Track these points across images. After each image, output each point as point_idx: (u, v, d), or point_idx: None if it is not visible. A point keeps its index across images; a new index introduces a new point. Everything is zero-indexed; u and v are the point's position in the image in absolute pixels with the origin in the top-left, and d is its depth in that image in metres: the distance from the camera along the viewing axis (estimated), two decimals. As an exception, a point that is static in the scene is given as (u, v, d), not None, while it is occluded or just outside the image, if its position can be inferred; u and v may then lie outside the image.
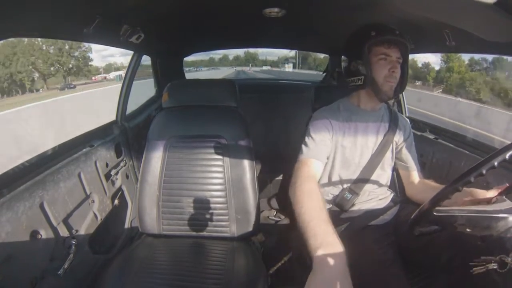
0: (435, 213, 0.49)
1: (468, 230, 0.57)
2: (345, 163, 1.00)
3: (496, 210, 0.56)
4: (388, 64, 0.91)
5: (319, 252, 0.57)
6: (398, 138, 1.04)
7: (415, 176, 1.05)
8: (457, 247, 0.75)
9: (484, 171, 0.52)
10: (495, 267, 0.55)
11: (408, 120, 1.13)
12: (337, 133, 0.98)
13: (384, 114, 1.04)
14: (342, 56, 1.02)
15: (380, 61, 0.91)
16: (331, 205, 1.07)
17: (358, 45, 0.91)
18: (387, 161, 1.03)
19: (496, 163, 0.52)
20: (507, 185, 0.65)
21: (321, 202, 0.72)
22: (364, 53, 0.90)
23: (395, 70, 0.91)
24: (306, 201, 0.71)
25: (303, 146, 0.97)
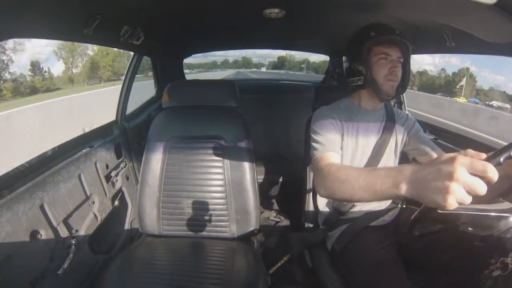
0: (439, 211, 0.49)
1: (470, 229, 0.57)
2: (347, 164, 0.99)
3: (498, 209, 0.56)
4: (388, 63, 0.90)
5: (404, 184, 0.49)
6: (402, 133, 1.02)
7: (438, 155, 0.99)
8: (457, 248, 0.75)
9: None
10: (499, 273, 0.55)
11: (407, 112, 1.11)
12: (341, 132, 0.96)
13: (385, 113, 1.03)
14: (344, 57, 1.01)
15: (380, 60, 0.90)
16: (328, 209, 1.07)
17: (358, 45, 0.91)
18: (390, 161, 1.02)
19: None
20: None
21: (355, 167, 0.68)
22: (364, 53, 0.90)
23: (396, 69, 0.90)
24: (344, 171, 0.65)
25: (313, 146, 0.90)
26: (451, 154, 0.45)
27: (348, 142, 0.97)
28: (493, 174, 0.41)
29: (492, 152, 0.50)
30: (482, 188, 0.42)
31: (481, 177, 0.42)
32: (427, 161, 0.96)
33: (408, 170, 0.50)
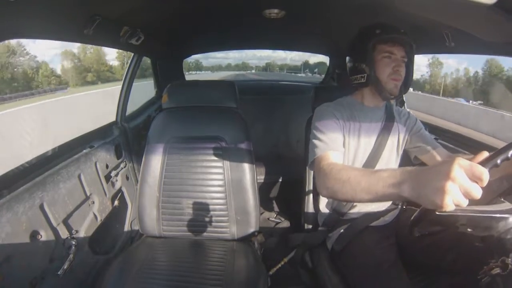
0: (437, 212, 0.49)
1: (469, 230, 0.57)
2: (348, 163, 0.98)
3: (497, 210, 0.56)
4: (392, 62, 0.89)
5: (405, 185, 0.50)
6: (404, 132, 1.01)
7: (439, 153, 0.94)
8: (458, 248, 0.74)
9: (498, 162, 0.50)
10: (498, 271, 0.55)
11: (408, 110, 1.10)
12: (343, 131, 0.95)
13: (386, 111, 1.02)
14: (347, 57, 1.00)
15: (384, 59, 0.90)
16: (328, 210, 1.06)
17: (363, 43, 0.90)
18: (392, 158, 1.01)
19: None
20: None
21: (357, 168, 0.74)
22: (369, 51, 0.89)
23: (400, 68, 0.90)
24: (346, 172, 0.64)
25: (315, 143, 0.86)
26: (454, 156, 0.46)
27: (350, 140, 0.96)
28: (486, 181, 0.43)
29: (492, 152, 0.50)
30: (477, 192, 0.43)
31: (477, 182, 0.43)
32: (428, 159, 0.97)
33: (410, 171, 0.51)
